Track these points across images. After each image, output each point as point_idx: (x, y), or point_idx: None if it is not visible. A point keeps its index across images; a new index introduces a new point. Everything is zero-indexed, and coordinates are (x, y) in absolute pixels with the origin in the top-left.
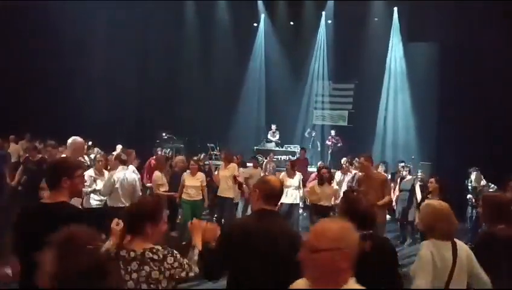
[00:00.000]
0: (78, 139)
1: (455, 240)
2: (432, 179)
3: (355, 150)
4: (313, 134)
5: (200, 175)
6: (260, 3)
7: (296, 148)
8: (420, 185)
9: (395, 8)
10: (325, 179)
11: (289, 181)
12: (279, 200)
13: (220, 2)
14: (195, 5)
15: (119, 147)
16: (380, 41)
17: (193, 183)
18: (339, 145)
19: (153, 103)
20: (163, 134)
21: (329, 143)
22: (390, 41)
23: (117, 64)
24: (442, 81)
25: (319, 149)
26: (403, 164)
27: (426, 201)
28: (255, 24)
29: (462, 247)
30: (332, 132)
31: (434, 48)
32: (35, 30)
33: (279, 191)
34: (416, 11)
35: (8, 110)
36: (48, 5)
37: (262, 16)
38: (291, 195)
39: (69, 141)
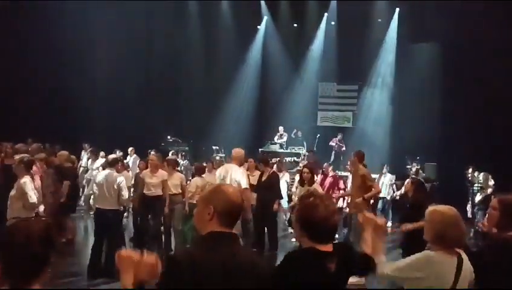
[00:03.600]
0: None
1: (462, 255)
2: (408, 180)
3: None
4: (300, 135)
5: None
6: (263, 5)
7: (301, 150)
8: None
9: (397, 9)
10: (305, 179)
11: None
12: (238, 219)
13: (223, 3)
14: (198, 7)
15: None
16: (383, 42)
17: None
18: (343, 149)
19: (157, 105)
20: (168, 137)
21: (334, 144)
22: (393, 41)
23: (120, 66)
24: (446, 82)
25: (305, 149)
26: (410, 166)
27: (433, 207)
28: (258, 26)
29: (467, 264)
30: (339, 136)
31: (437, 48)
32: (35, 31)
33: (239, 206)
34: (418, 12)
35: (8, 113)
36: (48, 6)
37: (265, 18)
38: None
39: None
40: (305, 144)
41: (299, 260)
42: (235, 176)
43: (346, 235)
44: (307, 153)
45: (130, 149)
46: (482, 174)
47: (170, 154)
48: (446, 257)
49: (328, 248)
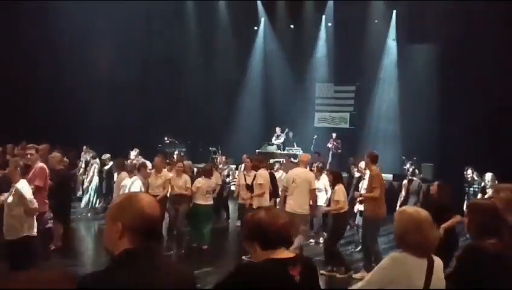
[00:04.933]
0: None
1: (433, 257)
2: (435, 183)
3: (357, 152)
4: (291, 135)
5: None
6: (260, 7)
7: (298, 151)
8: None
9: (394, 11)
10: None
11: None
12: (157, 231)
13: (220, 3)
14: (195, 7)
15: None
16: (380, 43)
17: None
18: (339, 151)
19: (154, 106)
20: (165, 138)
21: (331, 145)
22: (390, 43)
23: (118, 67)
24: (443, 82)
25: (300, 150)
26: (408, 166)
27: (402, 207)
28: (255, 28)
29: (440, 266)
30: (334, 135)
31: (434, 49)
32: (35, 32)
33: (154, 218)
34: (415, 13)
35: (7, 113)
36: (47, 6)
37: (263, 20)
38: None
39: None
40: (295, 144)
41: (257, 272)
42: (306, 177)
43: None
44: (302, 154)
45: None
46: (489, 175)
47: (175, 155)
48: (412, 258)
49: (287, 254)
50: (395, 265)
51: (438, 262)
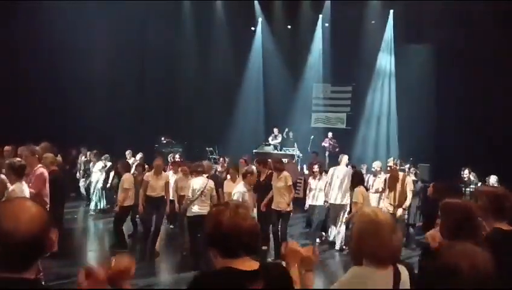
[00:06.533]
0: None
1: (399, 268)
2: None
3: (354, 153)
4: (291, 135)
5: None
6: (257, 7)
7: (295, 151)
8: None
9: (391, 11)
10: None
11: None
12: (36, 255)
13: (217, 4)
14: (192, 7)
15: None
16: (377, 44)
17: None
18: (337, 150)
19: (151, 106)
20: (162, 138)
21: (327, 145)
22: (387, 43)
23: (115, 68)
24: (440, 83)
25: (297, 150)
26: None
27: (364, 209)
28: (253, 28)
29: (407, 277)
30: (330, 134)
31: (431, 49)
32: (33, 32)
33: (17, 237)
34: (412, 14)
35: (8, 115)
36: (46, 6)
37: (260, 20)
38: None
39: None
40: (295, 144)
41: (211, 285)
42: (346, 174)
43: None
44: (300, 155)
45: (128, 152)
46: (493, 177)
47: (174, 156)
48: (374, 270)
49: (249, 265)
50: (354, 283)
51: (405, 274)
